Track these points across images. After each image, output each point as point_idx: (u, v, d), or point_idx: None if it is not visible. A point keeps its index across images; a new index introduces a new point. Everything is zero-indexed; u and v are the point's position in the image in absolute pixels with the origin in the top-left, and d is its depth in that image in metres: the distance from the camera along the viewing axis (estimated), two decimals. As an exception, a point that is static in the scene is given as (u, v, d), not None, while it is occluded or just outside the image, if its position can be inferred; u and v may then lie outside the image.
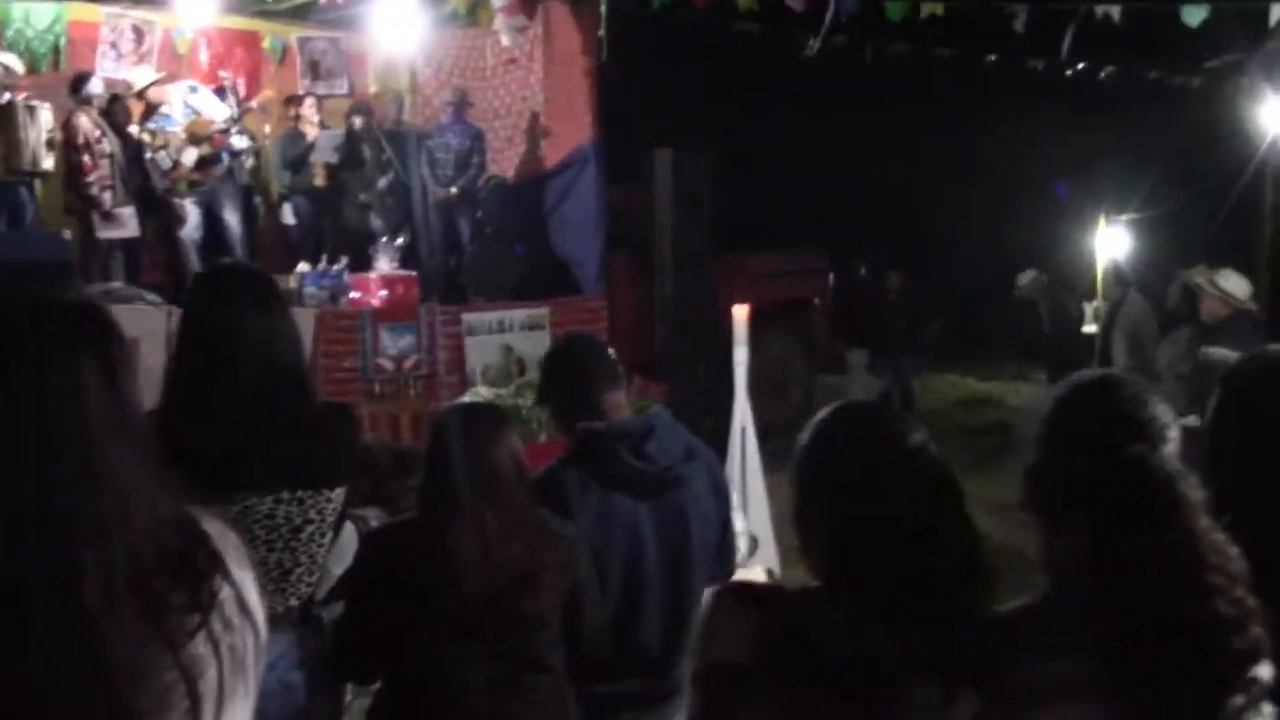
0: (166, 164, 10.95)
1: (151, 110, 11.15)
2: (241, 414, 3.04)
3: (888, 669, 2.00)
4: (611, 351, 3.94)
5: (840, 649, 2.03)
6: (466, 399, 9.41)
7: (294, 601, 3.18)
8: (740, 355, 8.48)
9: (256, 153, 11.94)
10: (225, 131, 11.11)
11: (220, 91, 11.59)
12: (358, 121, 11.93)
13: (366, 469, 4.36)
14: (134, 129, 11.15)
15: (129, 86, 11.43)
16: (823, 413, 2.26)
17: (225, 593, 1.80)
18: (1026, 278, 13.72)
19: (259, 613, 1.85)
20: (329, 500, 3.16)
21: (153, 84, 11.22)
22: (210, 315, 3.16)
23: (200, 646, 1.74)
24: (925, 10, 11.02)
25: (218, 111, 11.23)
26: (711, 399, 10.08)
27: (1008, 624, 2.09)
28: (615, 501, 3.61)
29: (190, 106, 11.18)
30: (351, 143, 11.94)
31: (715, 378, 11.66)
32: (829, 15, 11.17)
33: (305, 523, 3.12)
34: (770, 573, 8.14)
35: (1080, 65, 13.27)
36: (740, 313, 8.50)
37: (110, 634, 1.66)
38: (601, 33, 10.42)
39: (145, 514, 1.74)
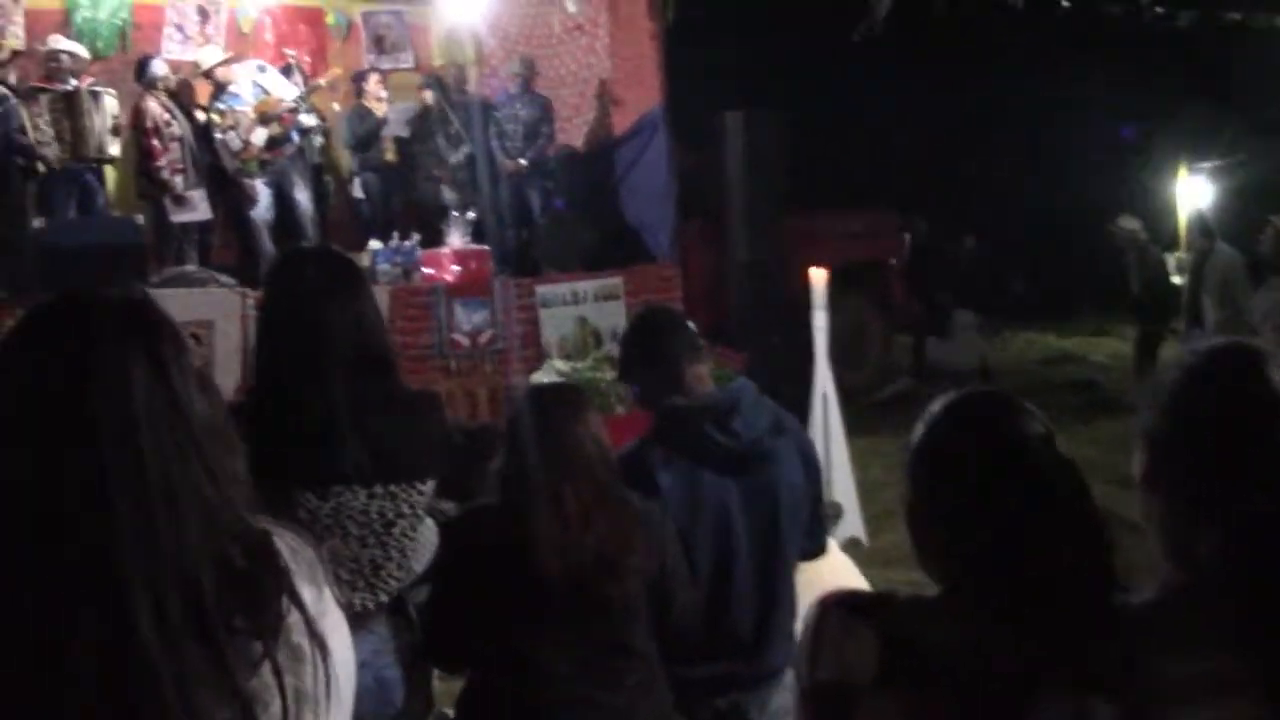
0: (236, 144, 10.95)
1: (220, 90, 11.15)
2: (331, 401, 2.96)
3: (1014, 681, 1.86)
4: (691, 324, 3.83)
5: (961, 661, 1.89)
6: (542, 374, 9.37)
7: (384, 598, 3.11)
8: (820, 320, 8.39)
9: (325, 131, 11.92)
10: (294, 110, 11.09)
11: (286, 70, 11.59)
12: (430, 96, 11.89)
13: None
14: (201, 113, 11.17)
15: (196, 67, 11.45)
16: (935, 405, 2.09)
17: (293, 617, 1.65)
18: (1129, 222, 13.18)
19: (334, 638, 1.71)
20: (420, 493, 3.09)
21: (221, 64, 11.22)
22: (293, 301, 3.06)
23: (264, 678, 1.60)
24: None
25: (286, 90, 11.21)
26: (788, 364, 9.95)
27: (1141, 621, 1.93)
28: (702, 479, 3.52)
29: (259, 86, 11.17)
30: (424, 117, 11.89)
31: (791, 343, 11.55)
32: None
33: (398, 517, 3.05)
34: (857, 541, 8.06)
35: (1159, 9, 12.92)
36: (819, 276, 8.39)
37: (162, 663, 1.52)
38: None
39: (202, 526, 1.61)
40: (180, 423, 1.64)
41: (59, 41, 10.63)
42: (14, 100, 10.14)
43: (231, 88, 11.11)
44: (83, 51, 10.79)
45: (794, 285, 11.93)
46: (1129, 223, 13.09)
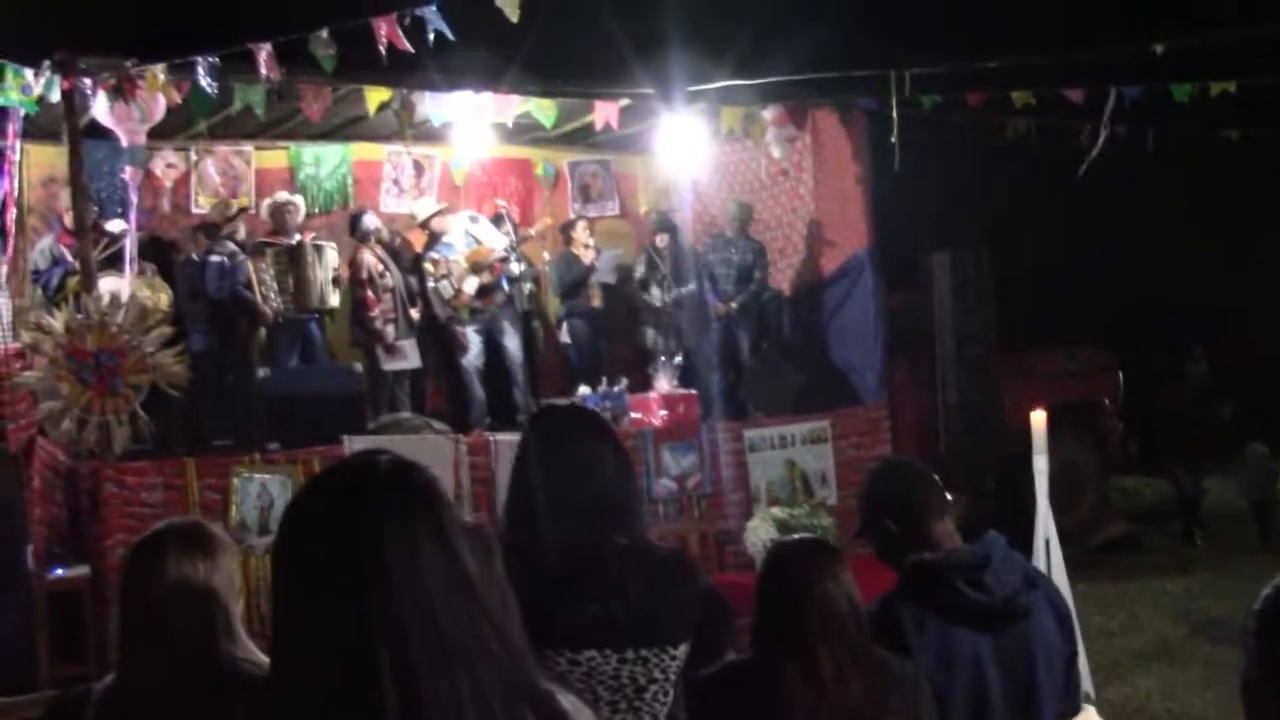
0: (448, 292, 11.23)
1: (434, 240, 11.49)
2: (577, 552, 2.95)
3: None
4: (936, 478, 3.72)
5: None
6: (758, 521, 9.27)
7: None
8: (1040, 464, 8.14)
9: (535, 278, 12.15)
10: (504, 259, 11.33)
11: (497, 219, 11.88)
12: (661, 240, 12.09)
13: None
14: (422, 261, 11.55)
15: (412, 218, 11.84)
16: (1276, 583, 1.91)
17: None
18: None
19: None
20: (673, 658, 3.02)
21: (435, 215, 11.58)
22: (528, 456, 3.08)
23: None
24: (1215, 89, 10.58)
25: (496, 240, 11.48)
26: (1002, 509, 9.69)
27: None
28: (955, 636, 3.40)
29: (471, 235, 11.48)
30: (650, 263, 12.09)
31: (1005, 486, 11.25)
32: (1110, 103, 10.83)
33: (649, 682, 2.99)
34: (1087, 695, 7.70)
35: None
36: (1039, 419, 8.15)
37: None
38: (894, 139, 10.25)
39: (500, 691, 1.64)
40: (468, 589, 1.67)
41: (283, 197, 11.09)
42: (241, 256, 10.57)
43: (445, 238, 11.44)
44: (304, 206, 11.27)
45: (1006, 426, 11.70)
46: None
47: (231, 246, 10.62)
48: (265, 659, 2.71)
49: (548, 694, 1.73)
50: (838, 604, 3.07)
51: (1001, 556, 3.52)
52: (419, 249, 11.77)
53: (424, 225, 11.68)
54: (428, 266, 11.42)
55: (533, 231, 12.16)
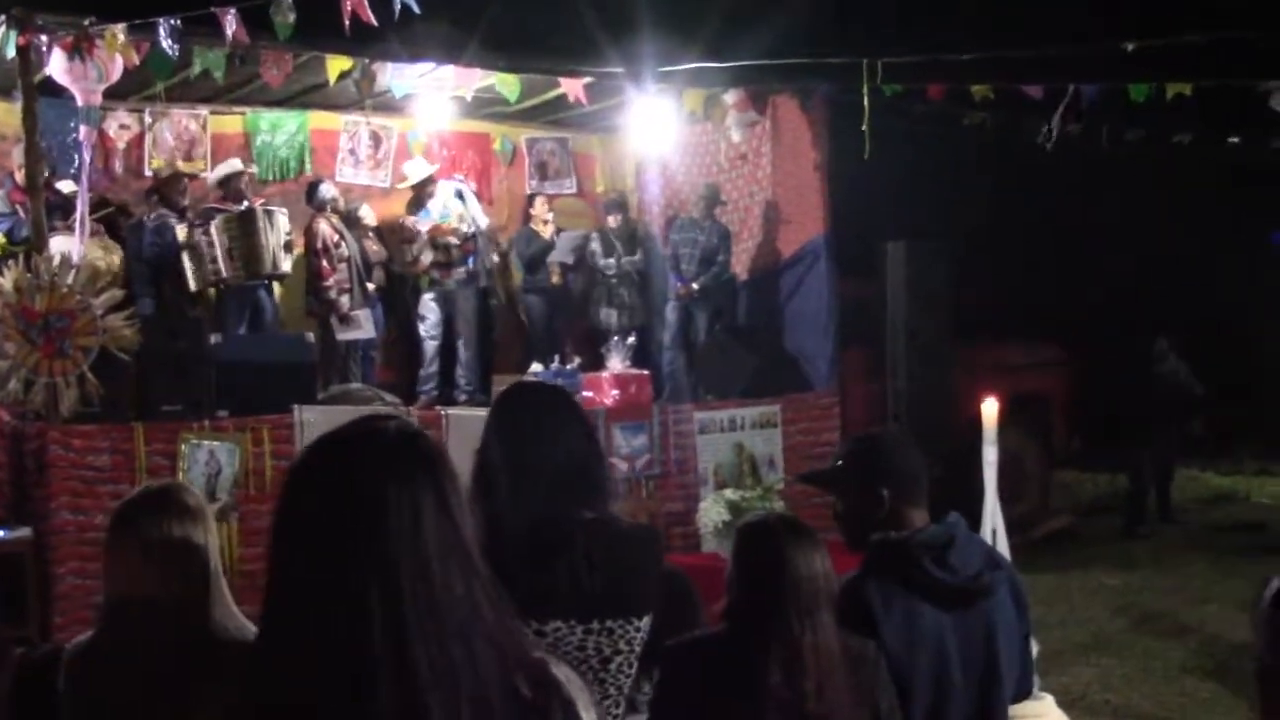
0: (409, 256, 11.21)
1: (421, 201, 11.45)
2: (543, 524, 2.95)
3: None
4: (921, 457, 3.72)
5: None
6: (711, 503, 9.29)
7: None
8: (990, 455, 8.16)
9: (503, 253, 12.13)
10: (472, 238, 11.30)
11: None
12: (612, 220, 12.06)
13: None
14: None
15: (403, 178, 11.91)
16: None
17: None
18: None
19: None
20: (637, 630, 3.04)
21: (426, 179, 11.56)
22: (508, 428, 3.10)
23: None
24: (1171, 91, 10.67)
25: (476, 218, 11.44)
26: (950, 498, 9.70)
27: None
28: (920, 614, 3.42)
29: (448, 209, 11.42)
30: (603, 239, 12.06)
31: (953, 476, 11.29)
32: (1067, 99, 10.91)
33: (614, 653, 3.01)
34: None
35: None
36: (990, 409, 8.18)
37: None
38: (864, 127, 10.27)
39: (493, 658, 1.66)
40: (465, 556, 1.70)
41: (235, 164, 10.98)
42: (173, 219, 10.45)
43: (430, 202, 11.42)
44: (253, 171, 11.23)
45: (955, 416, 11.75)
46: None
47: (162, 209, 10.51)
48: (247, 622, 2.71)
49: (540, 662, 1.75)
50: (819, 589, 3.10)
51: (964, 537, 3.56)
52: (377, 221, 11.76)
53: (418, 189, 11.66)
54: (405, 223, 11.53)
55: (496, 235, 12.25)
